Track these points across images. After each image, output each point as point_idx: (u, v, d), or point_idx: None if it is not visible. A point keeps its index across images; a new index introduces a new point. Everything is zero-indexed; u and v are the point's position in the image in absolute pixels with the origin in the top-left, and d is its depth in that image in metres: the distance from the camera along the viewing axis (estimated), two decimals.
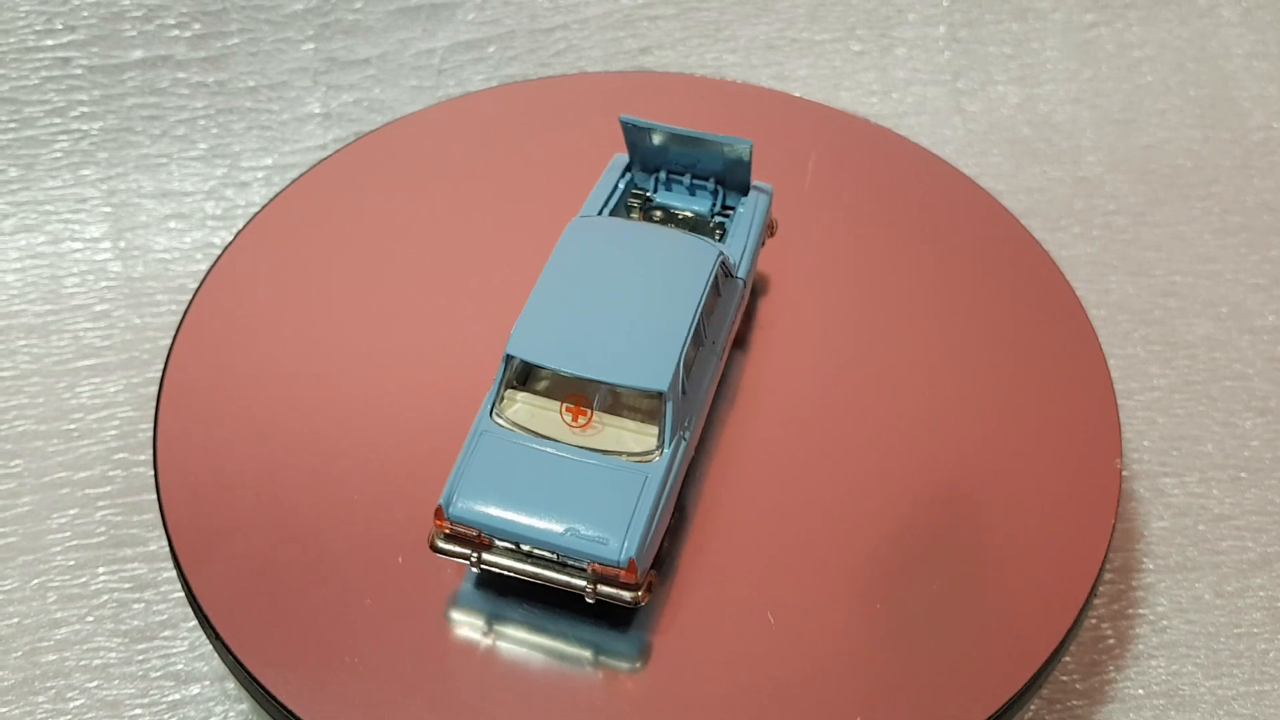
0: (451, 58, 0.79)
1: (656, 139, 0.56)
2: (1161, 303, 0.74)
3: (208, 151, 0.76)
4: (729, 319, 0.53)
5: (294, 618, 0.48)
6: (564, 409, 0.48)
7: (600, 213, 0.55)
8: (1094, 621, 0.61)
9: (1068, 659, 0.60)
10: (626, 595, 0.46)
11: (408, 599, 0.48)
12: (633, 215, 0.57)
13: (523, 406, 0.49)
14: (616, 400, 0.48)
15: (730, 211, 0.57)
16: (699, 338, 0.50)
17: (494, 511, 0.46)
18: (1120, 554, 0.63)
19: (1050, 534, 0.51)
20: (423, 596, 0.48)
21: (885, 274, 0.60)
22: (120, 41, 0.75)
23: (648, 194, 0.57)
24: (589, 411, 0.48)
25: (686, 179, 0.57)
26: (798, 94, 0.76)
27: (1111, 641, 0.60)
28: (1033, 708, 0.58)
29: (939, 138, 0.81)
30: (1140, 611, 0.61)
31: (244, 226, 0.61)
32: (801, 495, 0.52)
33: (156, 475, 0.52)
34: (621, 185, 0.57)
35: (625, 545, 0.45)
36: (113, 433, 0.66)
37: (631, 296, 0.49)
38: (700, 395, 0.50)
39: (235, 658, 0.47)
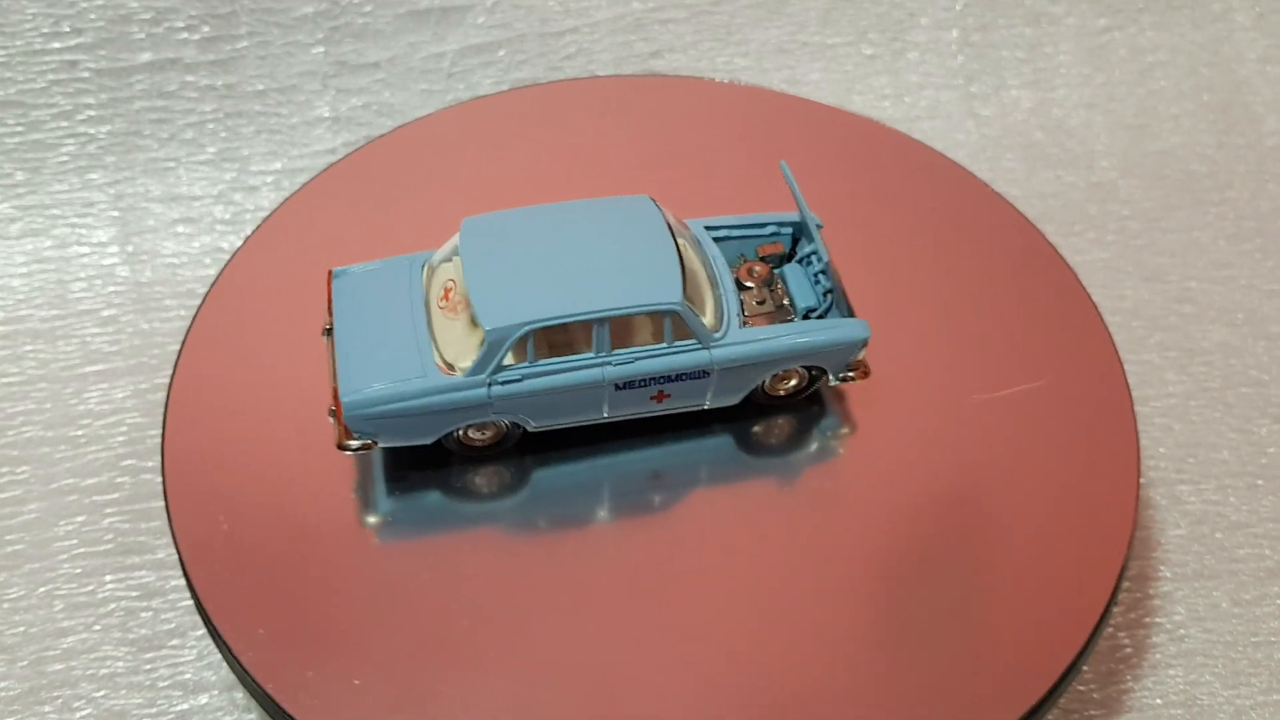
0: (461, 61, 0.79)
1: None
2: (1177, 309, 0.74)
3: (216, 155, 0.76)
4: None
5: (304, 627, 0.48)
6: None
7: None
8: (1111, 630, 0.61)
9: (1085, 668, 0.59)
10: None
11: (419, 607, 0.48)
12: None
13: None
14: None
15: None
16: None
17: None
18: (1137, 562, 0.63)
19: (1068, 543, 0.51)
20: (436, 605, 0.48)
21: (897, 278, 0.60)
22: (128, 44, 0.75)
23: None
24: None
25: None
26: (810, 98, 0.76)
27: (1129, 650, 0.60)
28: (1050, 718, 0.58)
29: (952, 142, 0.81)
30: (1157, 620, 0.61)
31: (252, 232, 0.61)
32: (808, 502, 0.51)
33: (164, 483, 0.52)
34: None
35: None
36: (120, 439, 0.66)
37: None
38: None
39: (243, 667, 0.47)
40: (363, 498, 0.51)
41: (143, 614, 0.60)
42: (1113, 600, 0.50)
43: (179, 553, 0.50)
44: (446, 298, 0.50)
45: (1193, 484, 0.66)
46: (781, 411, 0.54)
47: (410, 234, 0.60)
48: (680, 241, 0.52)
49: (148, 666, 0.58)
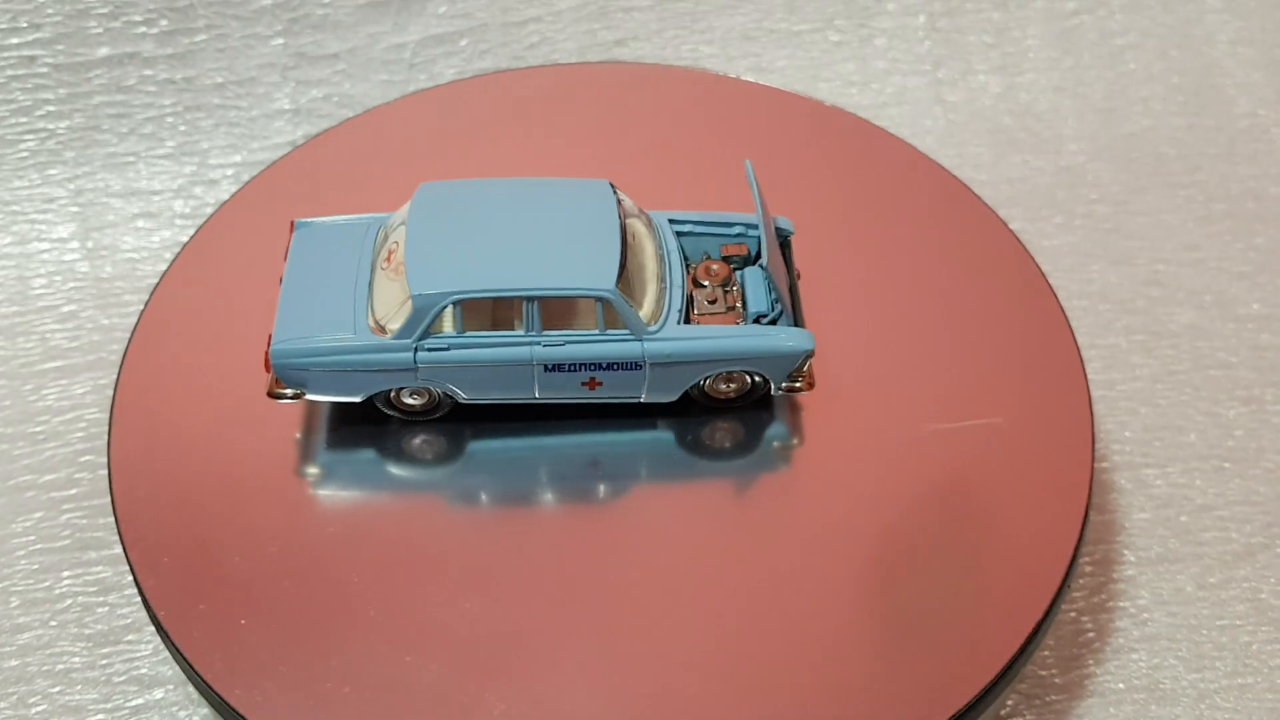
0: (423, 51, 0.79)
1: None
2: (1144, 291, 0.73)
3: (176, 149, 0.76)
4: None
5: (208, 564, 0.48)
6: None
7: None
8: (1073, 615, 0.60)
9: (1046, 653, 0.59)
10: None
11: (322, 559, 0.49)
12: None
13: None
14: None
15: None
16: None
17: None
18: (1101, 546, 0.63)
19: (1021, 529, 0.51)
20: (338, 560, 0.49)
21: (854, 267, 0.59)
22: (86, 39, 0.75)
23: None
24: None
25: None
26: (776, 85, 0.75)
27: (1091, 635, 0.60)
28: (1010, 703, 0.57)
29: (920, 128, 0.80)
30: (1121, 604, 0.61)
31: (203, 224, 0.61)
32: (744, 504, 0.51)
33: (111, 485, 0.52)
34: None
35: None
36: (79, 435, 0.66)
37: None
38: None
39: (144, 594, 0.48)
40: (302, 447, 0.52)
41: (99, 609, 0.60)
42: (1066, 583, 0.49)
43: (126, 554, 0.50)
44: (389, 260, 0.50)
45: (1158, 467, 0.66)
46: (727, 414, 0.53)
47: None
48: (632, 229, 0.52)
49: (104, 662, 0.58)
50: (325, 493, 0.51)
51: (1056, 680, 0.59)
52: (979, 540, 0.50)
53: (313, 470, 0.52)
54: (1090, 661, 0.59)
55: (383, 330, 0.49)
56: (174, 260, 0.60)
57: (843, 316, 0.57)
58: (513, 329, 0.49)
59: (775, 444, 0.52)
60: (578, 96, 0.69)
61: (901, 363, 0.56)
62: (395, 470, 0.51)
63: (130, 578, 0.60)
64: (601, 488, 0.51)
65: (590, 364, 0.50)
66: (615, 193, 0.52)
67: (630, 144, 0.66)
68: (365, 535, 0.50)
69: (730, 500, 0.51)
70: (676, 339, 0.50)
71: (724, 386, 0.52)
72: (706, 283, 0.53)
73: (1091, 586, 0.61)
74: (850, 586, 0.49)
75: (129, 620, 0.60)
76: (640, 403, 0.52)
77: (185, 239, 0.73)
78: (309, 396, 0.51)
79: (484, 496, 0.51)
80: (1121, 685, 0.58)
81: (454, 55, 0.79)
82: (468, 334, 0.49)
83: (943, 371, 0.55)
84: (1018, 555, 0.50)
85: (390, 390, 0.51)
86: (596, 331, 0.49)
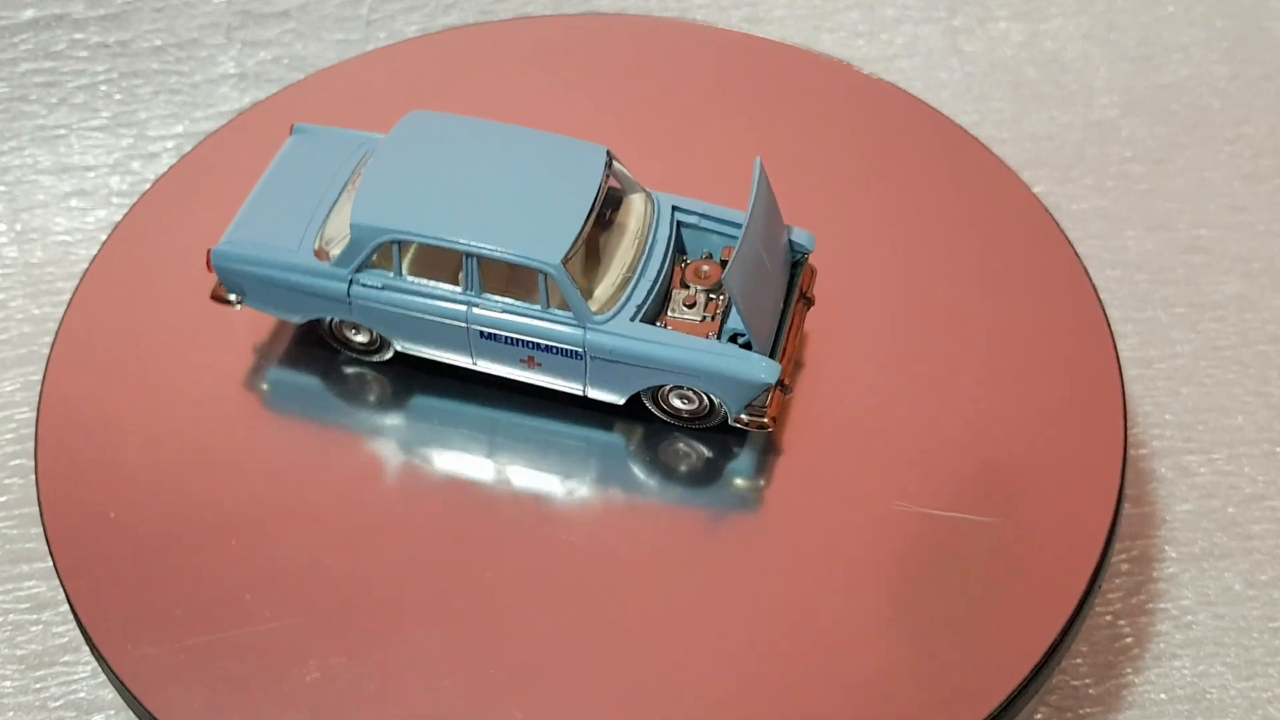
0: (382, 7, 0.78)
1: None
2: (1185, 259, 0.73)
3: (111, 120, 0.75)
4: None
5: (191, 647, 0.48)
6: None
7: None
8: (1108, 618, 0.60)
9: (1079, 660, 0.58)
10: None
11: (225, 472, 0.51)
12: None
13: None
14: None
15: None
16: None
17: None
18: (1139, 542, 0.62)
19: (1047, 524, 0.50)
20: (241, 474, 0.50)
21: (858, 236, 0.59)
22: (9, 1, 0.74)
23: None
24: None
25: None
26: (773, 37, 0.75)
27: (1129, 640, 0.59)
28: (1039, 716, 0.57)
29: (934, 82, 0.80)
30: (1162, 606, 0.60)
31: (137, 200, 0.60)
32: (685, 529, 0.51)
33: (39, 492, 0.51)
34: None
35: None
36: (9, 437, 0.65)
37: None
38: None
39: (129, 690, 0.47)
40: (245, 447, 0.52)
41: (32, 628, 0.59)
42: (1095, 582, 0.49)
43: (58, 573, 0.50)
44: (355, 184, 0.51)
45: (1202, 453, 0.65)
46: (689, 434, 0.52)
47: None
48: (624, 208, 0.51)
49: (38, 685, 0.58)
50: (270, 487, 0.51)
51: (1090, 691, 0.58)
52: (999, 538, 0.50)
53: (264, 386, 0.53)
54: (1128, 669, 0.59)
55: (326, 255, 0.50)
56: (106, 242, 0.59)
57: (851, 290, 0.56)
58: (456, 284, 0.50)
59: (732, 479, 0.51)
60: (553, 52, 0.68)
61: (913, 342, 0.55)
62: (334, 402, 0.53)
63: (64, 595, 0.60)
64: (532, 474, 0.51)
65: (528, 341, 0.50)
66: (610, 164, 0.51)
67: (610, 104, 0.65)
68: (269, 461, 0.52)
69: (673, 516, 0.50)
70: (622, 335, 0.49)
71: (678, 403, 0.51)
72: (692, 284, 0.51)
73: (1129, 586, 0.61)
74: (854, 591, 0.48)
75: (65, 639, 0.59)
76: (588, 398, 0.51)
77: (122, 218, 0.73)
78: (249, 306, 0.53)
79: (412, 452, 0.51)
80: (1163, 695, 0.58)
81: (416, 10, 0.78)
82: (406, 278, 0.49)
83: (960, 351, 0.55)
84: (1043, 553, 0.49)
85: (328, 319, 0.52)
86: (539, 307, 0.49)
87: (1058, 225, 0.60)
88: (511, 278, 0.50)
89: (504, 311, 0.49)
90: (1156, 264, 0.72)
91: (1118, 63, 0.82)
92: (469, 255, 0.48)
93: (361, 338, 0.53)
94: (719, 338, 0.50)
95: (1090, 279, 0.57)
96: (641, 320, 0.49)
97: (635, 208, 0.52)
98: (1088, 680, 0.58)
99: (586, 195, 0.50)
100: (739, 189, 0.52)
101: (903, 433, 0.52)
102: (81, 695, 0.58)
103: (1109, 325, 0.56)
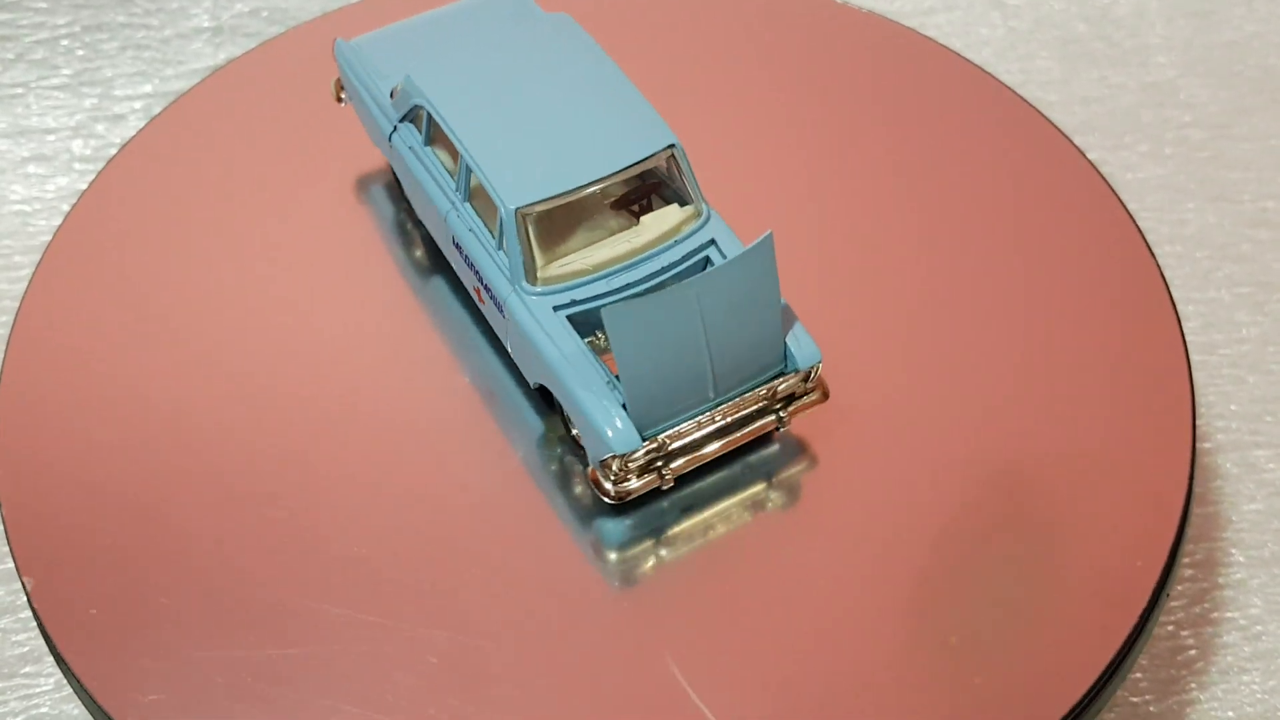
0: None
1: None
2: (1251, 234, 0.73)
3: (73, 79, 0.75)
4: None
5: (166, 657, 0.47)
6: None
7: None
8: (1170, 629, 0.59)
9: (1139, 675, 0.58)
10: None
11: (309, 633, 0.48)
12: None
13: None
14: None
15: None
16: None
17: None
18: (1203, 545, 0.62)
19: (1106, 528, 0.49)
20: (302, 628, 0.48)
21: (896, 207, 0.59)
22: None
23: None
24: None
25: None
26: None
27: (1193, 653, 0.59)
28: None
29: (974, 38, 0.80)
30: (1229, 615, 0.60)
31: (104, 166, 0.60)
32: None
33: None
34: None
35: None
36: None
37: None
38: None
39: (96, 703, 0.47)
40: (215, 440, 0.52)
41: None
42: (1162, 589, 0.48)
43: (20, 576, 0.49)
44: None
45: (1272, 447, 0.65)
46: None
47: (307, 156, 0.60)
48: (651, 200, 0.51)
49: None
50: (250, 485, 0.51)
51: (1151, 709, 0.58)
52: (1052, 544, 0.49)
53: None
54: (1192, 685, 0.58)
55: (393, 97, 0.56)
56: (69, 213, 0.59)
57: (887, 272, 0.56)
58: (453, 178, 0.52)
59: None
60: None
61: (958, 328, 0.54)
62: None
63: (25, 599, 0.60)
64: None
65: (476, 270, 0.51)
66: (662, 155, 0.50)
67: (629, 57, 0.64)
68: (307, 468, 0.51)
69: (725, 524, 0.50)
70: (532, 316, 0.49)
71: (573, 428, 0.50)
72: None
73: (1193, 594, 0.60)
74: (890, 606, 0.48)
75: (26, 649, 0.59)
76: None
77: (86, 186, 0.73)
78: (351, 107, 0.59)
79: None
80: (1230, 713, 0.58)
81: None
82: (425, 147, 0.54)
83: (1009, 333, 0.54)
84: (1102, 560, 0.49)
85: (383, 145, 0.57)
86: (493, 244, 0.50)
87: (1118, 197, 0.59)
88: (489, 202, 0.51)
89: (470, 229, 0.51)
90: (1219, 239, 0.72)
91: (1176, 18, 0.81)
92: (463, 153, 0.51)
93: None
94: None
95: (1155, 257, 0.57)
96: (573, 320, 0.48)
97: (669, 217, 0.50)
98: (1148, 697, 0.58)
99: (601, 167, 0.49)
100: (757, 141, 0.54)
101: (949, 426, 0.52)
102: (44, 710, 0.57)
103: (1174, 307, 0.55)
